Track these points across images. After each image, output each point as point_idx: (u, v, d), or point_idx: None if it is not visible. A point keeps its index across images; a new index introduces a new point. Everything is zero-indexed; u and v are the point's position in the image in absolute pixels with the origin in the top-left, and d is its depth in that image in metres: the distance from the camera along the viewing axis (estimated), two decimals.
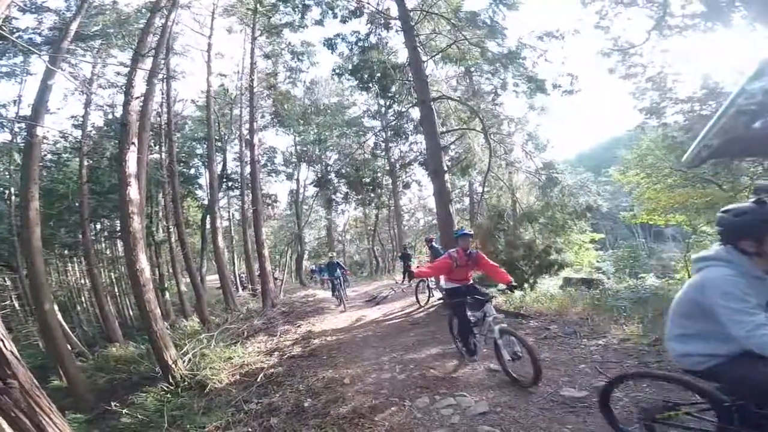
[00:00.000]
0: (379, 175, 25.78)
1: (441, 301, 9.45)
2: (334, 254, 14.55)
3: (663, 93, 11.93)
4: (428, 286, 10.13)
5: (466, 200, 23.88)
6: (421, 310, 9.46)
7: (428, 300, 9.90)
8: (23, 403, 2.55)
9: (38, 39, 12.09)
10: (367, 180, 25.32)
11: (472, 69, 13.82)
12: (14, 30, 11.36)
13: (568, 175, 11.89)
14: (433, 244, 10.68)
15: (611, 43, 12.35)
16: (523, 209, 11.05)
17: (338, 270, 12.63)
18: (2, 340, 2.61)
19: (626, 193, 20.44)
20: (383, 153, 25.13)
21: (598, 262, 16.41)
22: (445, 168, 10.22)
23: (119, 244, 20.76)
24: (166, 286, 19.16)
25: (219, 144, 20.18)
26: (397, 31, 11.35)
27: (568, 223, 11.46)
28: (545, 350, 5.23)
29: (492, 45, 11.12)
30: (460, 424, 3.56)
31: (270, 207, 26.82)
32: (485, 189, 11.46)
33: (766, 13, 6.04)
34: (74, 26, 9.51)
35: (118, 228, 16.86)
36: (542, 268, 10.41)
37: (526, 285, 10.02)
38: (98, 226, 20.50)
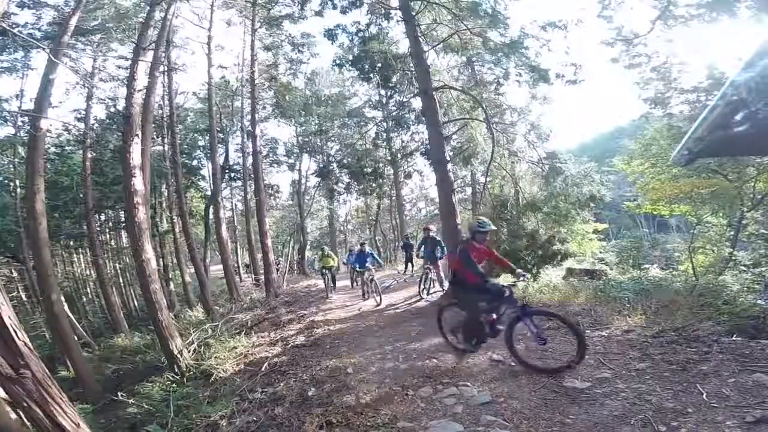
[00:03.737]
0: (380, 165, 25.68)
1: (442, 292, 9.50)
2: (365, 241, 13.54)
3: (668, 83, 11.86)
4: (431, 277, 10.15)
5: (468, 190, 23.83)
6: (423, 300, 9.51)
7: (428, 290, 9.95)
8: (36, 393, 2.60)
9: (38, 34, 12.07)
10: (369, 170, 25.26)
11: (474, 59, 13.70)
12: (14, 25, 11.37)
13: (571, 164, 11.85)
14: (431, 235, 10.39)
15: (615, 33, 12.26)
16: (526, 199, 11.05)
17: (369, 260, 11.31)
18: (15, 331, 2.65)
19: (630, 183, 20.37)
20: (385, 143, 25.05)
21: (601, 252, 16.39)
22: (448, 158, 10.20)
23: (124, 234, 20.91)
24: (170, 276, 19.29)
25: (221, 135, 20.18)
26: (397, 21, 11.25)
27: (572, 212, 11.45)
28: (548, 341, 5.26)
29: (494, 35, 10.99)
30: (463, 413, 3.60)
31: (272, 197, 26.87)
32: (488, 179, 11.43)
33: None
34: (74, 21, 9.50)
35: (123, 219, 16.97)
36: (545, 258, 10.45)
37: (529, 275, 10.06)
38: (102, 217, 20.60)
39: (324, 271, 12.57)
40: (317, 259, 14.56)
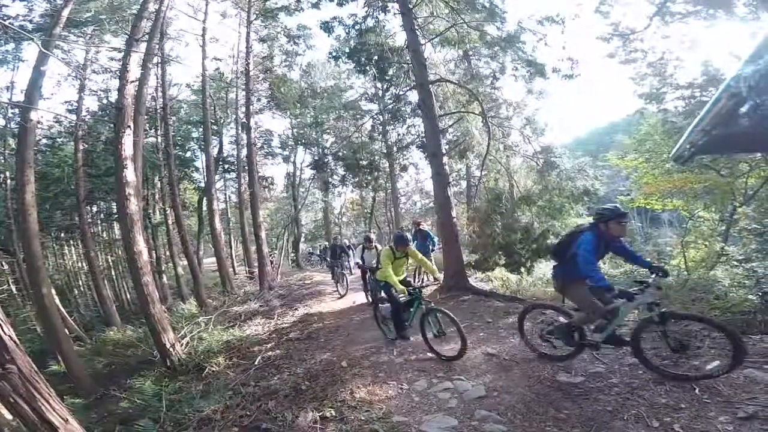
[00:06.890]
0: (376, 157, 25.61)
1: (437, 284, 9.50)
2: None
3: (663, 79, 11.88)
4: (424, 270, 10.12)
5: (464, 183, 23.84)
6: None
7: (422, 284, 9.94)
8: (22, 388, 2.55)
9: (29, 26, 11.93)
10: (364, 163, 25.18)
11: (471, 52, 13.62)
12: (5, 17, 11.22)
13: (566, 159, 11.86)
14: (421, 228, 10.32)
15: (611, 28, 12.26)
16: (521, 192, 11.06)
17: None
18: (0, 326, 2.60)
19: (624, 178, 20.50)
20: (380, 136, 24.95)
21: None
22: (443, 151, 10.17)
23: (116, 226, 20.71)
24: (163, 269, 19.17)
25: (215, 127, 19.99)
26: (395, 13, 11.15)
27: (566, 206, 11.49)
28: None
29: (491, 28, 10.97)
30: (457, 407, 3.60)
31: (267, 189, 26.76)
32: (483, 172, 11.44)
33: None
34: (66, 12, 9.41)
35: (115, 210, 16.80)
36: (539, 252, 10.48)
37: (522, 269, 10.10)
38: (94, 209, 20.41)
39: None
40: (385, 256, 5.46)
